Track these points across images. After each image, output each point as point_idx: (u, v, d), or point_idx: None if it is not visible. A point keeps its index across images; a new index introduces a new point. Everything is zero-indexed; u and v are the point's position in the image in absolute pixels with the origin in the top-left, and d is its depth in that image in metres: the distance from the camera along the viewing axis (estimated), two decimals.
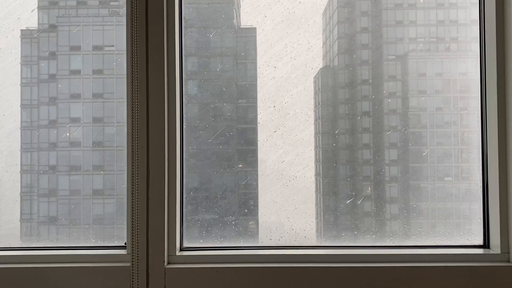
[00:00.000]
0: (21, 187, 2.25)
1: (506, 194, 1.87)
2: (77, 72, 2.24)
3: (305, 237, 2.16)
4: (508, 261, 1.86)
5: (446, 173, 2.19)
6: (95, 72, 2.23)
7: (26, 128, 2.24)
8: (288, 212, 2.16)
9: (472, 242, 2.02)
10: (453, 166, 2.18)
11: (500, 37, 1.89)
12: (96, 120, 2.23)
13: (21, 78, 2.24)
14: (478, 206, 2.03)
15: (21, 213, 2.25)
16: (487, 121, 1.94)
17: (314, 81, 2.21)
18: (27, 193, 2.25)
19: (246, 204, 2.19)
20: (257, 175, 2.19)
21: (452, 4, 2.22)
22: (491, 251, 1.92)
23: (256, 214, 2.18)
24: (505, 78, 1.88)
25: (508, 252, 1.87)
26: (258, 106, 2.18)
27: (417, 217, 2.17)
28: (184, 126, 2.03)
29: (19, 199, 2.25)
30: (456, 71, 2.19)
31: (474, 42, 2.12)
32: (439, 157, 2.19)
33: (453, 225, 2.14)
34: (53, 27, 2.26)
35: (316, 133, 2.20)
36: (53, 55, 2.24)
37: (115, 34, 2.24)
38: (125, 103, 1.92)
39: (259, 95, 2.18)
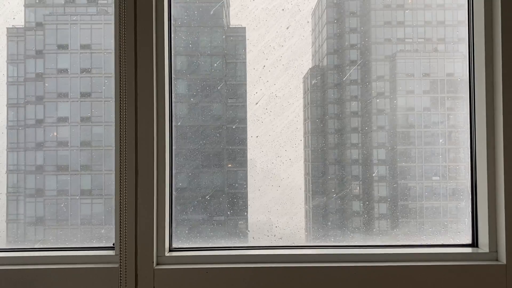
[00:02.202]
0: (8, 187, 2.22)
1: (494, 193, 1.88)
2: (65, 71, 2.21)
3: (295, 236, 2.16)
4: (497, 260, 1.88)
5: (434, 173, 2.20)
6: (83, 71, 2.21)
7: (13, 127, 2.21)
8: (277, 212, 2.15)
9: (460, 241, 2.04)
10: (440, 166, 2.20)
11: (488, 38, 1.90)
12: (84, 119, 2.21)
13: (7, 76, 2.21)
14: (466, 205, 2.05)
15: (7, 214, 2.22)
16: (475, 121, 1.96)
17: (303, 81, 2.21)
18: (14, 194, 2.22)
19: (235, 204, 2.18)
20: (246, 175, 2.19)
21: (439, 6, 2.24)
22: (479, 250, 1.94)
23: (245, 214, 2.18)
24: (493, 78, 1.90)
25: (497, 251, 1.88)
26: (247, 105, 2.18)
27: (405, 216, 2.18)
28: (173, 126, 2.02)
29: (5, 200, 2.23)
30: (443, 72, 2.21)
31: (461, 43, 2.14)
32: (426, 156, 2.20)
33: (442, 224, 2.15)
34: (40, 25, 2.23)
35: (305, 133, 2.20)
36: (40, 53, 2.22)
37: (103, 32, 2.22)
38: (113, 102, 1.90)
39: (248, 95, 2.18)
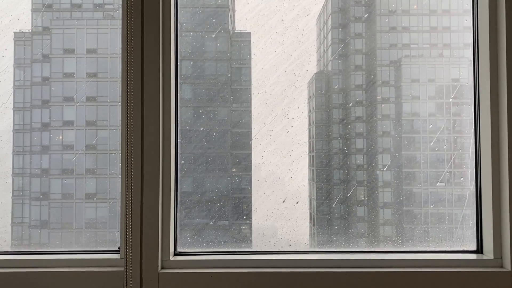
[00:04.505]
0: (13, 190, 2.23)
1: (499, 199, 1.88)
2: (71, 75, 2.23)
3: (299, 242, 2.16)
4: (501, 267, 1.87)
5: (439, 179, 2.20)
6: (89, 75, 2.22)
7: (19, 131, 2.22)
8: (281, 217, 2.15)
9: (465, 248, 2.03)
10: (445, 172, 2.19)
11: (493, 43, 1.90)
12: (89, 123, 2.22)
13: (14, 80, 2.22)
14: (470, 212, 2.04)
15: (13, 217, 2.23)
16: (480, 126, 1.96)
17: (308, 86, 2.21)
18: (19, 197, 2.23)
19: (240, 209, 2.18)
20: (251, 180, 2.19)
21: (445, 11, 2.24)
22: (484, 257, 1.93)
23: (250, 219, 2.18)
24: (498, 84, 1.90)
25: (501, 258, 1.87)
26: (252, 110, 2.18)
27: (410, 222, 2.18)
28: (178, 130, 2.02)
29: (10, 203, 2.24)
30: (448, 77, 2.21)
31: (466, 49, 2.14)
32: (432, 162, 2.20)
33: (446, 230, 2.15)
34: (47, 30, 2.24)
35: (310, 138, 2.20)
36: (46, 57, 2.23)
37: (109, 37, 2.23)
38: (118, 106, 1.91)
39: (253, 100, 2.18)
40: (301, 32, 2.18)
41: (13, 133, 2.22)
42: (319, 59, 2.28)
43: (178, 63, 2.01)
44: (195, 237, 2.11)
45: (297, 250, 2.08)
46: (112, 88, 2.21)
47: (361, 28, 2.29)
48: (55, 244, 2.22)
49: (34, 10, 2.25)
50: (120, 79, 1.88)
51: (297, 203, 2.15)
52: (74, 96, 2.22)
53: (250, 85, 2.19)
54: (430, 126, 2.20)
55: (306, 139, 2.19)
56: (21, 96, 2.23)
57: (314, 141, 2.22)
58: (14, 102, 2.23)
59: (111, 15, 2.25)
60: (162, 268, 1.87)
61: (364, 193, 2.22)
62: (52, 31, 2.24)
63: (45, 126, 2.22)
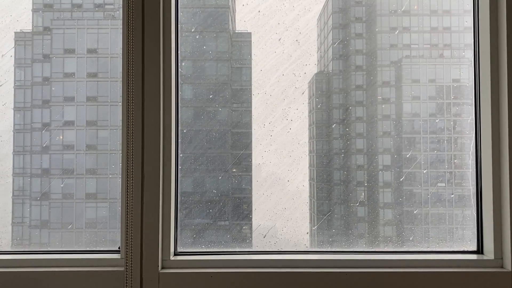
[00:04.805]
0: (13, 190, 2.23)
1: (499, 199, 1.87)
2: (71, 75, 2.23)
3: (299, 242, 2.15)
4: (502, 267, 1.87)
5: (439, 179, 2.20)
6: (89, 75, 2.22)
7: (19, 131, 2.22)
8: (282, 217, 2.15)
9: (465, 248, 2.03)
10: (446, 172, 2.19)
11: (493, 44, 1.90)
12: (89, 123, 2.22)
13: (15, 80, 2.22)
14: (471, 212, 2.04)
15: (13, 217, 2.23)
16: (481, 127, 1.95)
17: (309, 86, 2.21)
18: (19, 197, 2.23)
19: (240, 209, 2.18)
20: (251, 180, 2.19)
21: (445, 11, 2.24)
22: (484, 257, 1.93)
23: (250, 219, 2.18)
24: (498, 85, 1.89)
25: (502, 258, 1.87)
26: (252, 110, 2.18)
27: (410, 222, 2.18)
28: (179, 130, 2.02)
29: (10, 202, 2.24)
30: (449, 78, 2.21)
31: (467, 49, 2.14)
32: (432, 162, 2.20)
33: (447, 231, 2.15)
34: (47, 30, 2.24)
35: (310, 138, 2.20)
36: (47, 57, 2.23)
37: (110, 37, 2.23)
38: (119, 106, 1.90)
39: (253, 100, 2.18)
40: (302, 33, 2.18)
41: (14, 133, 2.22)
42: (320, 60, 2.28)
43: (179, 63, 2.01)
44: (200, 239, 2.11)
45: (297, 250, 2.08)
46: (113, 88, 2.21)
47: (362, 28, 2.29)
48: (55, 244, 2.22)
49: (34, 10, 2.25)
50: (121, 79, 1.89)
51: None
52: (75, 96, 2.22)
53: (250, 85, 2.19)
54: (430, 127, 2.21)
55: (306, 139, 2.19)
56: (21, 96, 2.23)
57: (315, 142, 2.22)
58: (14, 102, 2.23)
59: (112, 15, 2.25)
60: (163, 268, 1.87)
61: (364, 194, 2.22)
62: (53, 31, 2.24)
63: (46, 126, 2.22)
